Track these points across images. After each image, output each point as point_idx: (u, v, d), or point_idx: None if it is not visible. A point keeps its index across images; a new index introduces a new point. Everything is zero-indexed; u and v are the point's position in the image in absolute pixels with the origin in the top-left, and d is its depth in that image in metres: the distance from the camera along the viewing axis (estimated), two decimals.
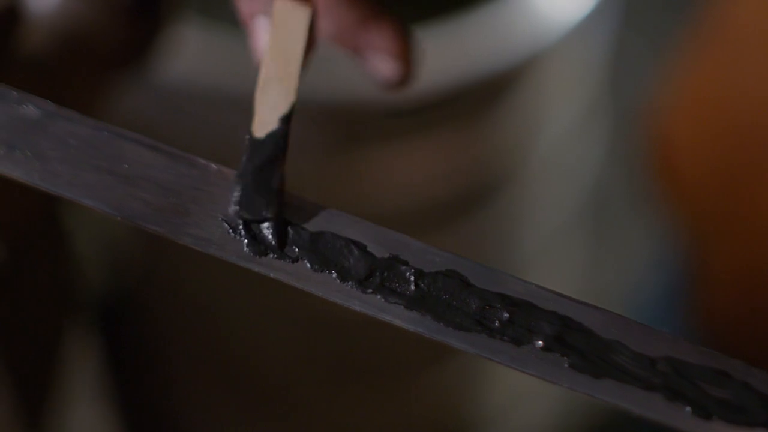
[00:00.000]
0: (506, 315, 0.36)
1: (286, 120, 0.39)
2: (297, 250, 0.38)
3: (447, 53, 0.96)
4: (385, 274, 0.37)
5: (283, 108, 0.39)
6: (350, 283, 0.37)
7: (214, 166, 0.40)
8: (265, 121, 0.39)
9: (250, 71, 0.92)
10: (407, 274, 0.37)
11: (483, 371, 1.17)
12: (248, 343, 1.14)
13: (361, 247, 0.38)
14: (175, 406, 1.21)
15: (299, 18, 0.39)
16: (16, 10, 0.57)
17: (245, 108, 0.96)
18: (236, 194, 0.39)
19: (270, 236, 0.38)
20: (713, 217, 1.00)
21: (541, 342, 0.36)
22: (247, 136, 0.39)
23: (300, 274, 0.38)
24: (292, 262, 0.38)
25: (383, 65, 0.48)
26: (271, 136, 0.39)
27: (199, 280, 1.11)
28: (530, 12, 0.99)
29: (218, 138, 0.94)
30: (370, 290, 0.37)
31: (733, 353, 0.36)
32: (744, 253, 0.98)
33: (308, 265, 0.38)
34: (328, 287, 0.37)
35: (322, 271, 0.38)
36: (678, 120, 1.05)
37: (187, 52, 0.87)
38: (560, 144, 1.12)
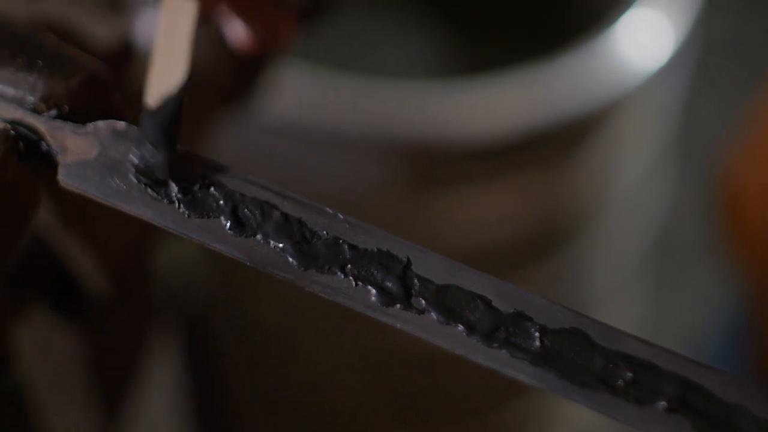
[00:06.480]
0: (630, 375, 0.36)
1: (180, 89, 0.39)
2: (424, 302, 0.38)
3: (528, 99, 0.96)
4: (510, 330, 0.38)
5: (175, 79, 0.39)
6: (476, 337, 0.38)
7: (341, 215, 0.40)
8: (158, 93, 0.39)
9: (348, 113, 0.93)
10: (532, 330, 0.38)
11: (546, 412, 1.18)
12: (314, 371, 1.14)
13: (486, 302, 0.38)
14: (240, 428, 1.22)
15: (186, 12, 0.39)
16: (129, 47, 0.59)
17: (343, 149, 0.97)
18: (134, 151, 0.40)
19: (396, 286, 0.39)
20: None
21: (664, 403, 0.36)
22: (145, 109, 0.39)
23: (427, 326, 0.38)
24: (419, 313, 0.38)
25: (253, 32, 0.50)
26: (166, 101, 0.39)
27: (265, 308, 1.12)
28: (609, 61, 0.99)
29: (312, 177, 0.95)
30: (496, 345, 0.38)
31: None
32: None
33: (434, 317, 0.38)
34: (455, 340, 0.38)
35: (448, 324, 0.38)
36: (745, 169, 1.05)
37: (287, 94, 0.89)
38: (632, 190, 1.12)
